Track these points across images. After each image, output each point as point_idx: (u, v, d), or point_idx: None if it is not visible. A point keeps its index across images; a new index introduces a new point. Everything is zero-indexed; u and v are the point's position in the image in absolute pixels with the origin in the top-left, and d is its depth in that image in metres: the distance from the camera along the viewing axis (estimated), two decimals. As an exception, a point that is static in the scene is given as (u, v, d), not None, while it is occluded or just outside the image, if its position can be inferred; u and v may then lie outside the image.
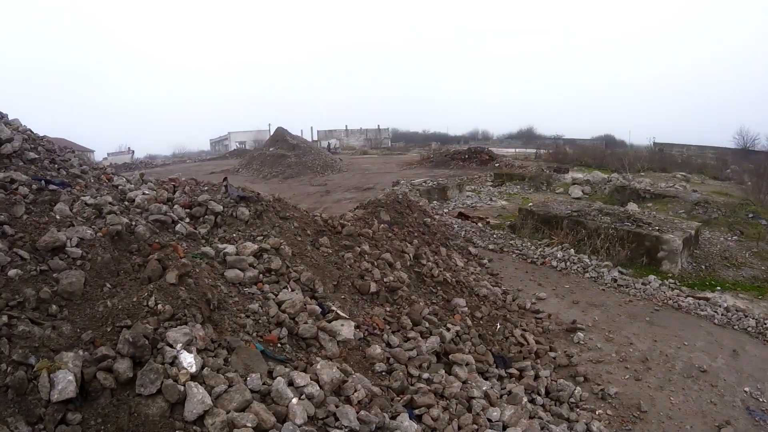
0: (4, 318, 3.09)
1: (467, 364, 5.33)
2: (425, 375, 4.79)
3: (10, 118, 5.93)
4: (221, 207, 5.95)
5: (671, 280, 9.91)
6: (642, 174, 24.06)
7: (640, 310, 8.40)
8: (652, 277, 9.80)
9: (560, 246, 11.46)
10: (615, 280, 9.70)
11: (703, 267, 11.18)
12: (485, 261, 10.26)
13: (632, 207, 15.76)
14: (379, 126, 62.16)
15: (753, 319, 8.11)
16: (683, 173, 24.86)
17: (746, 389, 6.14)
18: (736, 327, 7.96)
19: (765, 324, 7.97)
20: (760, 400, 5.96)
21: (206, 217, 5.78)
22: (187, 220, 5.59)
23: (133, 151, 51.29)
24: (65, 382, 2.79)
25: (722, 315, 8.29)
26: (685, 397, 5.92)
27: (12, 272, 3.45)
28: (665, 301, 8.83)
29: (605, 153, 32.99)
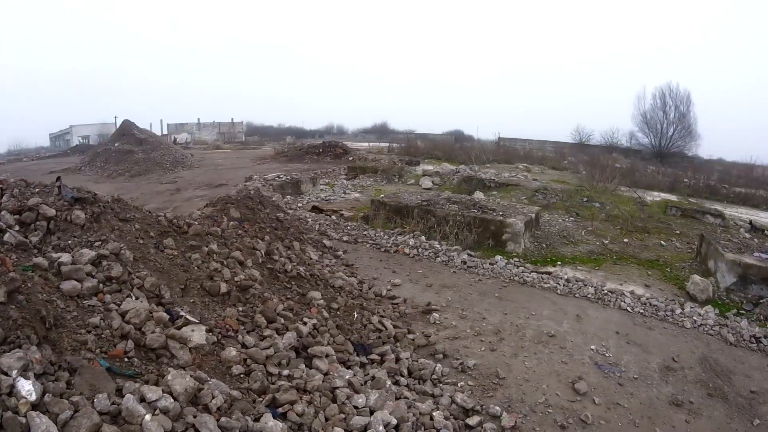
0: None
1: (327, 356, 5.43)
2: (285, 372, 4.82)
3: None
4: (54, 211, 5.44)
5: (516, 259, 10.78)
6: (488, 165, 25.57)
7: (490, 288, 9.05)
8: (498, 257, 10.63)
9: (412, 234, 11.97)
10: (465, 263, 10.32)
11: (545, 245, 12.34)
12: (340, 252, 10.45)
13: (479, 195, 16.80)
14: (233, 119, 60.41)
15: (592, 287, 9.19)
16: (525, 164, 26.85)
17: (593, 347, 6.89)
18: (577, 295, 8.92)
19: (602, 290, 9.10)
20: (606, 355, 6.73)
21: (38, 223, 5.25)
22: (17, 227, 5.09)
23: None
24: None
25: (564, 286, 9.27)
26: (538, 360, 6.48)
27: None
28: (512, 277, 9.62)
29: (454, 147, 34.77)
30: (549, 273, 9.96)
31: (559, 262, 11.09)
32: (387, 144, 39.82)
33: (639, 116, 47.36)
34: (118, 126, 34.20)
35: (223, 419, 3.52)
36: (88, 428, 2.93)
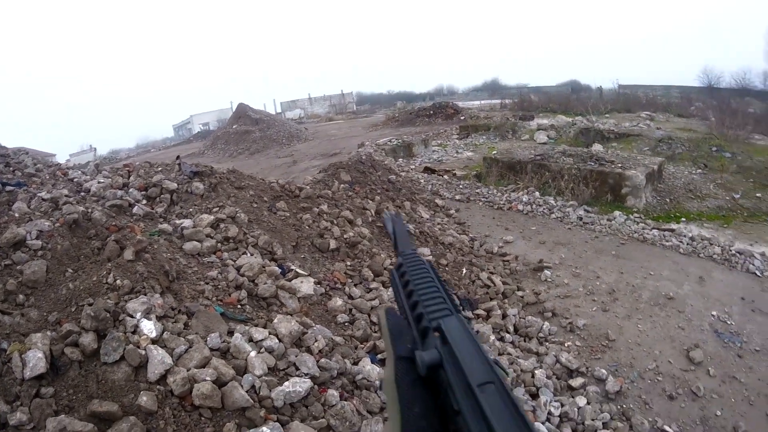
0: (-25, 312, 3.24)
1: (432, 310, 5.52)
2: (388, 322, 4.97)
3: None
4: (175, 185, 6.05)
5: (636, 215, 10.16)
6: (606, 116, 24.22)
7: (606, 245, 8.64)
8: (617, 212, 10.04)
9: (526, 190, 11.66)
10: (581, 219, 9.93)
11: (668, 200, 11.47)
12: (452, 211, 10.44)
13: (596, 147, 15.96)
14: (342, 91, 61.41)
15: (718, 246, 8.38)
16: (648, 113, 25.05)
17: (713, 313, 6.36)
18: (701, 255, 8.21)
19: (730, 251, 8.23)
20: (728, 323, 6.19)
21: (162, 196, 5.88)
22: (144, 201, 5.70)
23: (95, 149, 50.10)
24: (36, 360, 2.95)
25: (687, 244, 8.55)
26: (652, 324, 6.14)
27: (-22, 270, 3.58)
28: (631, 234, 9.09)
29: (570, 98, 33.04)
30: (672, 230, 9.29)
31: (683, 219, 10.34)
32: (499, 100, 38.76)
33: None
34: (234, 110, 35.75)
35: (323, 360, 3.73)
36: (199, 360, 3.26)
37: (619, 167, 11.50)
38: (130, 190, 5.80)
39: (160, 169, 6.59)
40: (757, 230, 9.69)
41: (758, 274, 7.58)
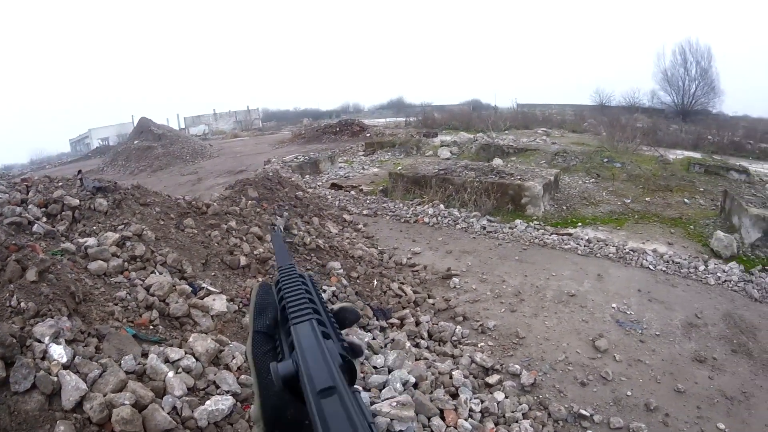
0: None
1: (346, 320, 5.60)
2: (303, 334, 5.00)
3: None
4: (78, 201, 5.76)
5: (536, 222, 10.81)
6: (506, 132, 25.23)
7: (510, 252, 9.12)
8: (518, 221, 10.63)
9: (431, 203, 12.05)
10: (484, 228, 10.40)
11: (565, 207, 12.28)
12: (360, 226, 10.58)
13: (497, 162, 16.70)
14: (248, 107, 60.47)
15: (613, 246, 9.15)
16: (544, 129, 26.37)
17: (614, 305, 6.93)
18: (598, 255, 8.89)
19: (624, 249, 9.01)
20: (628, 312, 6.76)
21: (63, 213, 5.59)
22: (44, 219, 5.42)
23: (-16, 165, 46.69)
24: (-65, 393, 2.78)
25: (585, 246, 9.24)
26: (558, 319, 6.58)
27: None
28: (532, 240, 9.66)
29: (472, 116, 34.05)
30: (569, 234, 9.96)
31: (579, 224, 11.07)
32: (404, 118, 39.46)
33: (660, 74, 45.29)
34: (135, 125, 34.51)
35: (242, 377, 3.75)
36: (115, 384, 3.17)
37: (518, 179, 12.19)
38: (29, 206, 5.48)
39: (60, 184, 6.28)
40: (648, 230, 10.65)
41: (651, 268, 8.32)
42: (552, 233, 10.01)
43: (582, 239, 9.57)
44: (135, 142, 28.94)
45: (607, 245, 9.21)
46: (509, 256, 8.89)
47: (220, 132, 49.77)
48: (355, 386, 0.59)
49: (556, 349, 5.89)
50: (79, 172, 6.59)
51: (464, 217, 11.03)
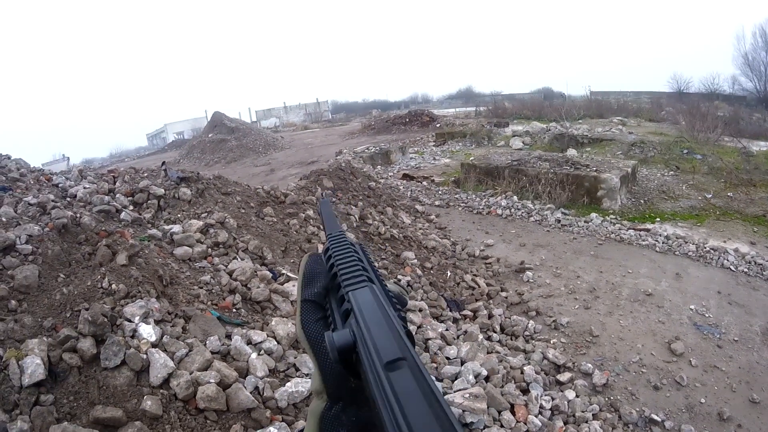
0: (-33, 318, 3.18)
1: (420, 310, 5.56)
2: (379, 323, 5.01)
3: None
4: (163, 190, 6.01)
5: (612, 216, 10.34)
6: (580, 121, 24.52)
7: (585, 246, 8.80)
8: (593, 215, 10.21)
9: (504, 195, 11.80)
10: (558, 221, 10.08)
11: (642, 201, 11.69)
12: (432, 216, 10.52)
13: (571, 152, 16.20)
14: (317, 99, 61.31)
15: (693, 244, 8.58)
16: (619, 118, 25.34)
17: (692, 307, 6.53)
18: (677, 253, 8.39)
19: (704, 248, 8.43)
20: (706, 315, 6.36)
21: (149, 202, 5.85)
22: (131, 207, 5.65)
23: (68, 158, 49.08)
24: (34, 366, 2.90)
25: (663, 243, 8.74)
26: (633, 319, 6.28)
27: (-32, 275, 3.53)
28: (608, 235, 9.26)
29: (544, 105, 33.22)
30: (647, 230, 9.50)
31: (657, 219, 10.52)
32: (473, 108, 38.98)
33: (740, 58, 42.62)
34: (209, 119, 35.48)
35: (321, 362, 3.74)
36: (201, 363, 3.27)
37: (594, 171, 11.71)
38: (117, 195, 5.75)
39: (145, 174, 6.55)
40: (730, 228, 9.91)
41: (732, 269, 7.77)
42: (629, 228, 9.61)
43: (660, 236, 9.12)
44: (209, 135, 29.78)
45: (686, 243, 8.73)
46: (584, 251, 8.60)
47: (291, 124, 50.61)
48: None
49: (630, 350, 5.66)
50: (163, 163, 6.84)
51: (538, 209, 10.77)
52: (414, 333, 4.94)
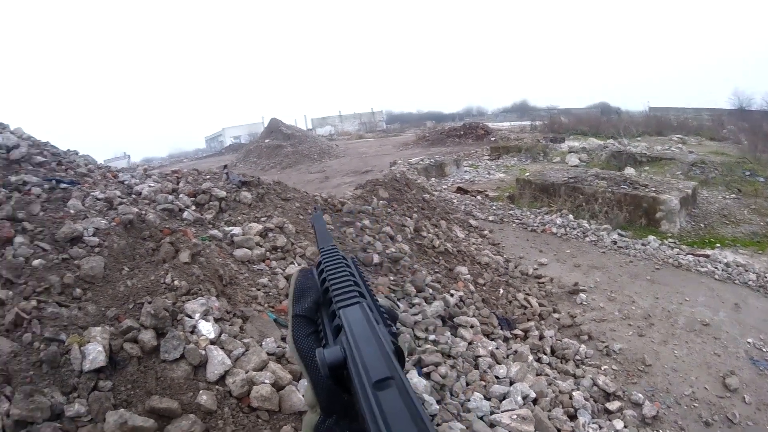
0: (33, 302, 3.29)
1: (472, 327, 5.51)
2: (431, 337, 4.97)
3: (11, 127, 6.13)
4: (224, 193, 6.16)
5: (670, 240, 10.10)
6: (638, 138, 23.98)
7: (641, 270, 8.57)
8: (651, 237, 9.99)
9: (559, 212, 11.63)
10: (615, 242, 9.87)
11: (702, 225, 11.35)
12: (486, 232, 10.42)
13: (629, 171, 15.83)
14: (372, 109, 61.82)
15: (753, 273, 8.30)
16: (679, 136, 24.67)
17: (749, 341, 6.29)
18: (736, 282, 8.11)
19: (766, 277, 8.15)
20: (764, 350, 6.13)
21: (211, 203, 6.00)
22: (193, 207, 5.81)
23: (129, 156, 50.86)
24: (95, 353, 2.99)
25: (723, 270, 8.46)
26: (688, 350, 6.08)
27: (36, 262, 3.65)
28: (665, 260, 9.00)
29: (601, 120, 32.67)
30: (706, 256, 9.20)
31: (717, 244, 10.21)
32: (529, 122, 38.49)
33: None
34: (265, 125, 36.15)
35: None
36: (257, 363, 3.31)
37: (653, 191, 11.43)
38: (180, 195, 5.92)
39: (208, 177, 6.73)
40: None
41: None
42: (688, 253, 9.35)
43: (720, 262, 8.82)
44: (266, 141, 30.36)
45: (747, 271, 8.40)
46: (640, 275, 8.37)
47: (346, 133, 51.14)
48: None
49: (683, 382, 5.47)
50: (225, 166, 7.02)
51: (594, 229, 10.56)
52: (464, 349, 4.91)
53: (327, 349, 0.57)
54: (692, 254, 9.26)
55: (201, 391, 3.03)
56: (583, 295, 7.45)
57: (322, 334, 0.67)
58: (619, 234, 10.35)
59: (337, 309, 0.64)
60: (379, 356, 0.52)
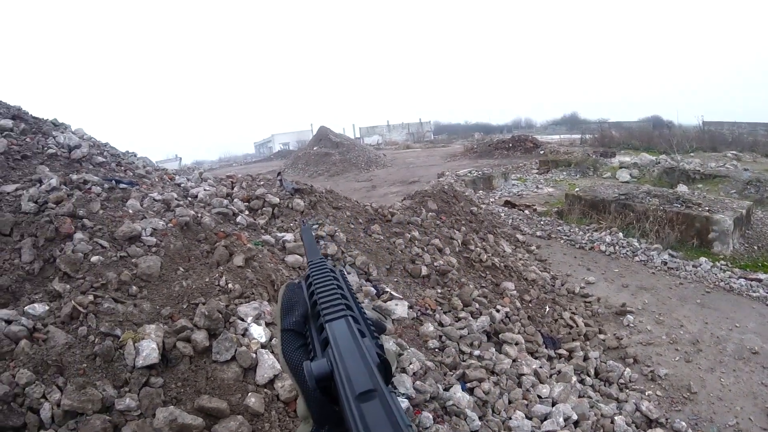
0: (90, 297, 3.41)
1: (517, 344, 5.49)
2: (476, 352, 4.98)
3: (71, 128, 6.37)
4: (278, 199, 6.31)
5: (723, 262, 9.71)
6: (691, 154, 23.31)
7: (691, 293, 8.30)
8: (703, 259, 9.63)
9: (608, 230, 11.35)
10: (665, 263, 9.57)
11: (756, 248, 10.88)
12: (533, 247, 10.31)
13: (682, 188, 15.37)
14: (420, 119, 61.80)
15: None
16: (734, 152, 23.83)
17: None
18: None
19: None
20: None
21: (264, 209, 6.16)
22: (247, 212, 5.97)
23: (180, 158, 52.03)
24: (149, 350, 3.07)
25: None
26: (736, 378, 5.87)
27: (94, 258, 3.78)
28: (716, 283, 8.68)
29: (653, 135, 31.81)
30: (760, 280, 8.79)
31: (771, 269, 9.84)
32: (579, 135, 37.75)
33: None
34: (314, 132, 36.57)
35: (417, 383, 3.79)
36: None
37: (706, 210, 11.01)
38: (234, 200, 6.07)
39: (262, 183, 6.89)
40: None
41: None
42: (740, 277, 8.96)
43: (773, 288, 8.46)
44: (314, 148, 30.69)
45: (801, 298, 8.04)
46: (690, 298, 8.11)
47: (393, 143, 51.27)
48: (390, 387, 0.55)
49: (728, 412, 5.29)
50: (279, 174, 7.15)
51: (644, 248, 10.29)
52: (509, 366, 4.86)
53: (314, 362, 0.58)
54: (744, 278, 8.91)
55: (250, 394, 3.09)
56: (630, 317, 7.29)
57: (310, 347, 0.69)
58: (669, 254, 10.03)
59: (324, 322, 0.66)
60: (363, 369, 0.54)
